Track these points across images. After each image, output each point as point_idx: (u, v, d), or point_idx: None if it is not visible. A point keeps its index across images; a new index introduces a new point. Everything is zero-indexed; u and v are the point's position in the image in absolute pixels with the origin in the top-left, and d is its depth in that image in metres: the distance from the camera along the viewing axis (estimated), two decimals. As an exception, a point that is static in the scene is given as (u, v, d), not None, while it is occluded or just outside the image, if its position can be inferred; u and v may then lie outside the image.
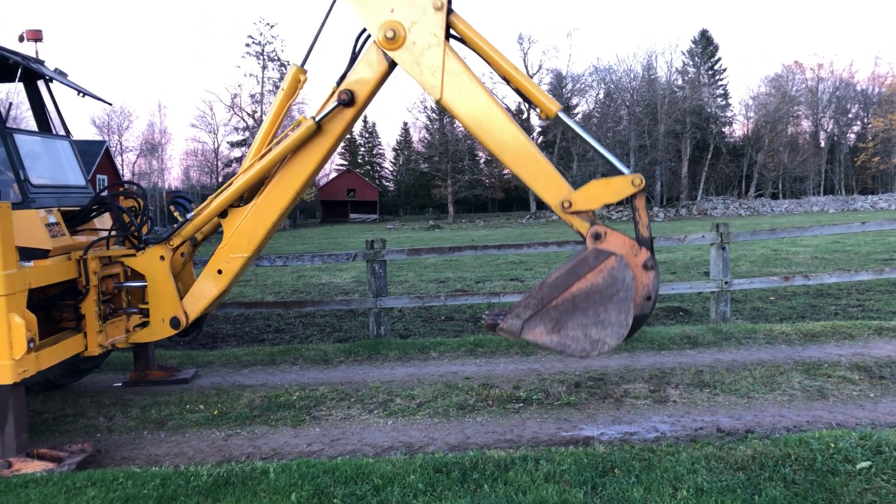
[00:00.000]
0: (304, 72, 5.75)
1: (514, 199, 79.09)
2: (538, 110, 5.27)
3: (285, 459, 4.97)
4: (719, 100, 69.47)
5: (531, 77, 64.94)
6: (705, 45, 69.14)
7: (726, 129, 69.19)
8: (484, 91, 5.05)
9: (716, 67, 69.96)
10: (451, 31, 5.14)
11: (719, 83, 69.86)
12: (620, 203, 61.07)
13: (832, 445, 4.51)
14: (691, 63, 69.44)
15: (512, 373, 7.10)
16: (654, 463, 4.47)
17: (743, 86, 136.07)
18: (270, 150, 5.54)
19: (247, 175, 5.64)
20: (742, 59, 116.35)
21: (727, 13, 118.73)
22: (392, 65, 5.27)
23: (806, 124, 72.70)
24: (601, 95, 67.10)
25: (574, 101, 67.94)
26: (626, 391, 6.32)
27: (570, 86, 66.93)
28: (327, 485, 4.35)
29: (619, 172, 4.91)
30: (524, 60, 66.65)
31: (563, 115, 5.19)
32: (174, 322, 5.96)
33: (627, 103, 62.24)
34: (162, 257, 5.93)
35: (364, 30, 5.26)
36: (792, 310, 10.43)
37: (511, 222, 55.25)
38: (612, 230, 4.88)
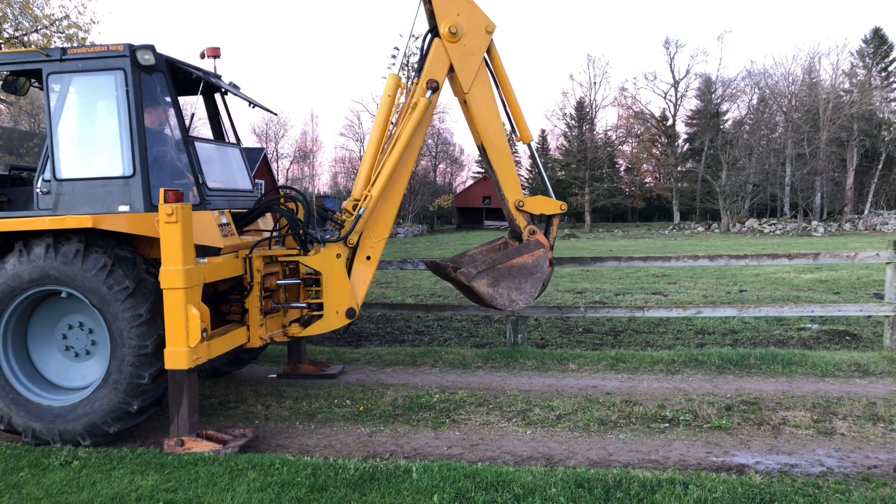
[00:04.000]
0: (401, 78, 6.61)
1: (655, 208, 76.09)
2: (517, 134, 6.94)
3: (427, 460, 5.08)
4: (894, 104, 62.78)
5: (677, 82, 62.71)
6: (878, 45, 62.65)
7: (902, 137, 62.30)
8: (495, 103, 6.69)
9: (890, 69, 63.31)
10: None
11: (894, 86, 63.18)
12: (773, 216, 56.89)
13: None
14: (861, 64, 63.20)
15: (656, 391, 6.81)
16: (821, 500, 4.12)
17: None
18: (399, 134, 6.41)
19: (392, 159, 6.34)
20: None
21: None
22: None
23: None
24: (754, 101, 62.85)
25: (724, 107, 64.14)
26: (784, 418, 5.86)
27: (719, 91, 63.28)
28: (468, 489, 4.39)
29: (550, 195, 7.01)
30: (670, 66, 64.10)
31: (531, 146, 7.07)
32: (350, 312, 6.47)
33: (784, 109, 57.71)
34: (338, 255, 6.41)
35: (428, 32, 6.49)
36: (985, 341, 9.17)
37: (652, 233, 53.15)
38: (540, 232, 6.81)
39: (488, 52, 6.62)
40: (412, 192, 62.33)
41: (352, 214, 6.44)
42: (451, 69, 6.50)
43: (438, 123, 68.54)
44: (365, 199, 6.39)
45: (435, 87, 6.43)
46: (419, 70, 6.48)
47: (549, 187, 7.14)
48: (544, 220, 7.03)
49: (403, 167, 6.56)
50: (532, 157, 7.11)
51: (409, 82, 6.60)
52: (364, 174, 6.51)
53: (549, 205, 6.95)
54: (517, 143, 7.11)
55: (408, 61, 7.32)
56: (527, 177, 74.30)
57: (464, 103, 6.65)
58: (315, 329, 6.57)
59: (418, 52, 6.62)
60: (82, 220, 5.28)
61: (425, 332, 10.60)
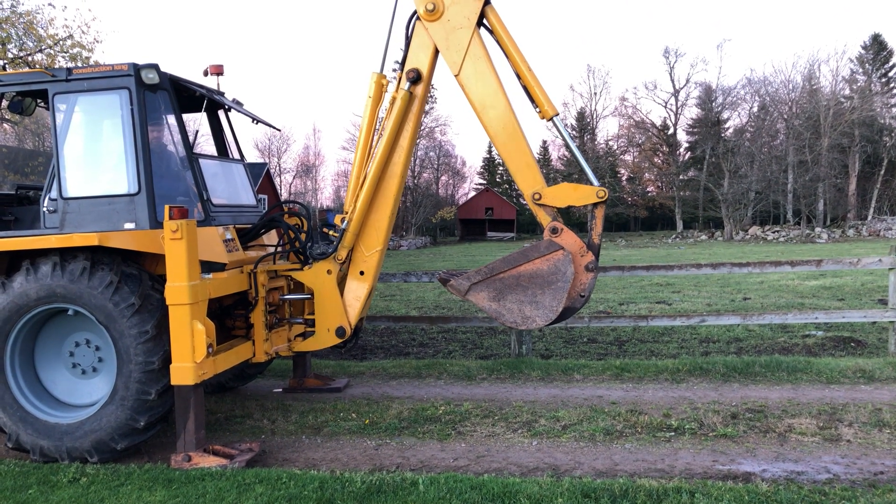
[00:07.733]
0: (385, 76, 6.20)
1: (658, 217, 76.05)
2: (538, 110, 5.86)
3: (433, 472, 5.09)
4: (895, 109, 62.83)
5: (677, 91, 62.82)
6: (878, 51, 62.81)
7: (903, 142, 62.24)
8: (496, 79, 5.71)
9: (890, 74, 63.43)
10: (483, 21, 5.78)
11: (895, 91, 63.28)
12: (776, 223, 56.83)
13: None
14: (861, 70, 63.37)
15: (661, 400, 6.81)
16: (828, 507, 4.10)
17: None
18: (381, 134, 6.00)
19: (377, 163, 6.01)
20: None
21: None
22: None
23: None
24: (755, 109, 62.99)
25: (725, 115, 64.29)
26: (790, 426, 5.86)
27: (720, 99, 63.44)
28: (475, 501, 4.40)
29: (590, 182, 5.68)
30: (670, 75, 64.27)
31: (556, 121, 5.84)
32: (339, 331, 6.34)
33: (785, 116, 57.85)
34: (329, 271, 6.31)
35: (412, 16, 5.89)
36: None
37: (655, 242, 53.14)
38: (569, 229, 5.57)
39: (487, 20, 5.79)
40: (415, 204, 62.46)
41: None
42: (438, 53, 5.90)
43: (440, 136, 68.80)
44: (351, 211, 6.19)
45: (416, 77, 5.88)
46: (403, 62, 6.03)
47: (588, 168, 5.80)
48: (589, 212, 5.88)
49: (391, 172, 6.13)
50: (560, 134, 6.03)
51: (396, 80, 6.10)
52: (353, 185, 6.24)
53: (578, 193, 5.66)
54: (542, 121, 6.00)
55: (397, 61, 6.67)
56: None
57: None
58: (307, 346, 6.56)
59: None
60: (88, 238, 5.33)
61: (430, 345, 10.61)
